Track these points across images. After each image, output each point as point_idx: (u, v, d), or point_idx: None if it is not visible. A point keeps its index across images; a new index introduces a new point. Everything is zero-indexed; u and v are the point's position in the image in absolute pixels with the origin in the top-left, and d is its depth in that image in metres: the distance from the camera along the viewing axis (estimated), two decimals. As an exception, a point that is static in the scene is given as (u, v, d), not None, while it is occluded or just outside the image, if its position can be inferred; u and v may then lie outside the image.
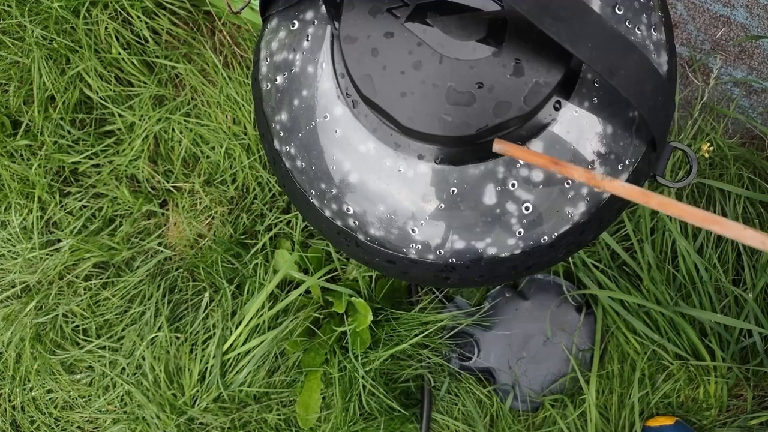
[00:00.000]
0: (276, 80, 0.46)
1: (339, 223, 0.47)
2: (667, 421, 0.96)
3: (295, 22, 0.46)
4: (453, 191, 0.43)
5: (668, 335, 0.95)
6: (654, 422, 0.96)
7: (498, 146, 0.38)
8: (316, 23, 0.45)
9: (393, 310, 0.96)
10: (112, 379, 1.03)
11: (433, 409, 1.00)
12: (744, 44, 0.93)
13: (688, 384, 0.97)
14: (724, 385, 0.95)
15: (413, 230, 0.45)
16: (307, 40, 0.45)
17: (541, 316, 1.00)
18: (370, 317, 0.92)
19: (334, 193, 0.45)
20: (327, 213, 0.47)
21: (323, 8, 0.44)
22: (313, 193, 0.46)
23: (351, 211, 0.45)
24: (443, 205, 0.43)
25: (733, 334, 0.93)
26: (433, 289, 1.01)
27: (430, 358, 0.98)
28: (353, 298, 0.94)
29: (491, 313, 1.00)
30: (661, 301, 0.94)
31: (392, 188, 0.44)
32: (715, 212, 0.93)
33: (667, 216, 0.93)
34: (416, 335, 0.94)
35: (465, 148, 0.42)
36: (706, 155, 0.94)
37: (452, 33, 0.39)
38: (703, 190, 0.96)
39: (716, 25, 0.94)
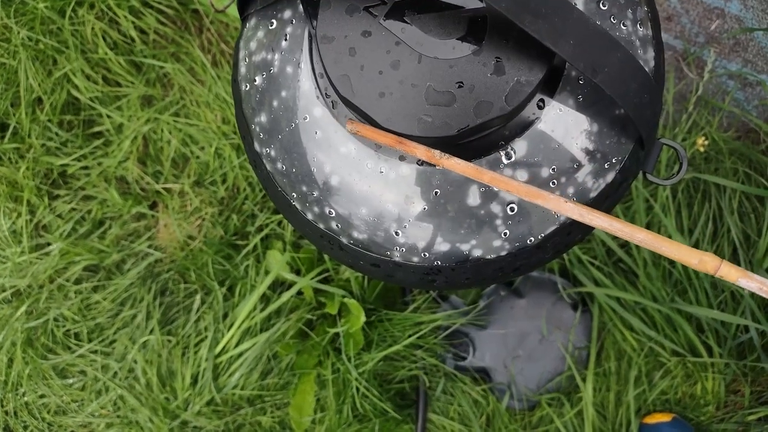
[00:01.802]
0: (255, 81, 0.45)
1: (322, 226, 0.45)
2: (665, 417, 0.95)
3: (273, 21, 0.44)
4: (436, 193, 0.42)
5: (665, 332, 0.94)
6: (651, 419, 0.95)
7: (350, 126, 0.39)
8: (294, 22, 0.43)
9: (386, 311, 0.95)
10: (104, 383, 1.02)
11: (429, 409, 0.99)
12: (738, 37, 0.92)
13: (685, 380, 0.96)
14: (721, 381, 0.94)
15: (397, 233, 0.43)
16: (286, 39, 0.44)
17: (537, 314, 0.99)
18: (363, 318, 0.91)
19: (315, 195, 0.44)
20: (309, 216, 0.46)
21: (301, 7, 0.43)
22: (295, 195, 0.45)
23: (333, 214, 0.44)
24: (426, 207, 0.42)
25: (729, 330, 0.92)
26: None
27: (424, 359, 0.97)
28: (346, 299, 0.93)
29: (486, 312, 0.99)
30: (657, 297, 0.93)
31: (374, 190, 0.43)
32: (709, 207, 0.92)
33: (663, 212, 0.92)
34: (410, 336, 0.93)
35: (446, 149, 0.41)
36: (701, 149, 0.93)
37: (431, 31, 0.37)
38: (698, 185, 0.95)
39: (710, 17, 0.92)
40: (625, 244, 0.97)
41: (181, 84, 1.04)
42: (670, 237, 0.93)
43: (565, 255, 0.98)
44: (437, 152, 0.36)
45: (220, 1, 0.87)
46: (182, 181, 1.04)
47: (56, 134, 1.04)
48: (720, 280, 0.90)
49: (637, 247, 0.94)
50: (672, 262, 0.93)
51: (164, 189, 1.04)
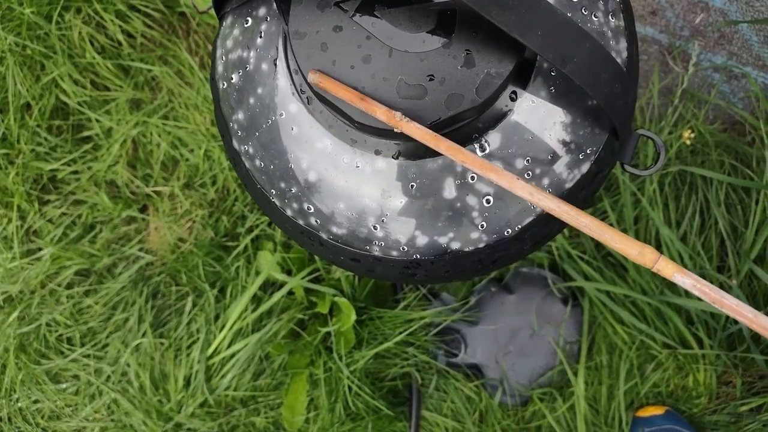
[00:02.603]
0: (232, 79, 0.46)
1: (301, 222, 0.46)
2: (658, 410, 0.95)
3: (249, 19, 0.45)
4: (412, 186, 0.42)
5: (655, 325, 0.95)
6: (644, 412, 0.96)
7: (312, 77, 0.38)
8: (268, 19, 0.44)
9: (377, 309, 0.95)
10: (97, 387, 1.02)
11: (422, 406, 0.99)
12: (723, 30, 0.92)
13: (677, 373, 0.96)
14: (712, 372, 0.95)
15: (375, 227, 0.44)
16: (261, 36, 0.44)
17: (527, 309, 0.99)
18: (354, 317, 0.91)
19: (294, 191, 0.45)
20: (289, 212, 0.46)
21: (275, 4, 0.43)
22: (274, 192, 0.46)
23: (312, 210, 0.45)
24: (403, 201, 0.42)
25: (719, 321, 0.92)
26: (419, 285, 1.01)
27: (416, 356, 0.97)
28: (337, 298, 0.93)
29: (477, 308, 0.99)
30: (647, 290, 0.93)
31: (351, 185, 0.43)
32: (696, 199, 0.93)
33: (650, 205, 0.93)
34: (400, 333, 0.93)
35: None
36: (688, 142, 0.93)
37: (401, 25, 0.38)
38: (685, 178, 0.95)
39: (695, 11, 0.93)
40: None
41: (170, 87, 1.04)
42: (657, 230, 0.93)
43: (554, 250, 0.98)
44: (398, 114, 0.36)
45: (205, 2, 0.88)
46: (172, 183, 1.04)
47: (45, 139, 1.04)
48: (708, 271, 0.91)
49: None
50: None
51: (154, 192, 1.05)
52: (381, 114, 0.36)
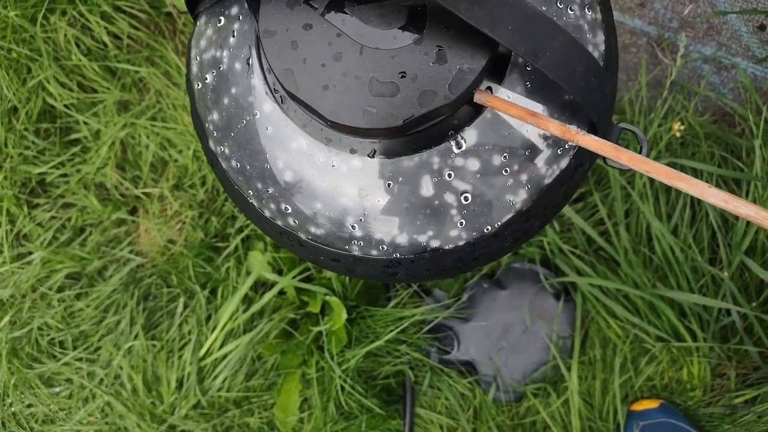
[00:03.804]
0: (206, 79, 0.45)
1: (279, 222, 0.45)
2: (652, 404, 0.95)
3: (221, 18, 0.44)
4: (389, 184, 0.42)
5: (648, 318, 0.94)
6: (639, 406, 0.95)
7: (478, 96, 0.38)
8: (241, 18, 0.43)
9: (368, 307, 0.95)
10: (91, 390, 1.02)
11: (416, 404, 0.99)
12: (712, 20, 0.92)
13: (671, 366, 0.96)
14: (706, 365, 0.94)
15: (353, 226, 0.43)
16: (233, 36, 0.43)
17: (520, 305, 0.99)
18: (345, 315, 0.91)
19: (270, 192, 0.44)
20: (267, 213, 0.45)
21: (246, 3, 0.43)
22: (251, 193, 0.45)
23: (289, 210, 0.44)
24: (380, 200, 0.42)
25: (712, 313, 0.92)
26: (402, 283, 1.00)
27: (409, 354, 0.97)
28: (328, 297, 0.93)
29: (469, 305, 0.99)
30: (639, 284, 0.93)
31: (327, 184, 0.42)
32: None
33: (640, 199, 0.92)
34: (392, 331, 0.93)
35: (397, 140, 0.40)
36: (678, 134, 0.93)
37: (372, 22, 0.37)
38: (675, 169, 0.95)
39: (683, 2, 0.92)
40: (605, 232, 0.97)
41: (157, 88, 1.04)
42: (648, 224, 0.93)
43: (546, 245, 0.97)
44: (573, 127, 0.36)
45: (179, 1, 0.87)
46: (161, 185, 1.03)
47: (33, 143, 1.04)
48: (699, 264, 0.90)
49: (618, 234, 0.94)
50: (652, 249, 0.93)
51: (144, 194, 1.04)
52: (554, 129, 0.36)
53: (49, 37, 1.00)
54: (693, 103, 0.96)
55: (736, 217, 0.90)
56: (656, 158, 0.93)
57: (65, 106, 1.03)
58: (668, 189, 0.94)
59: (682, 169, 0.94)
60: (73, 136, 1.06)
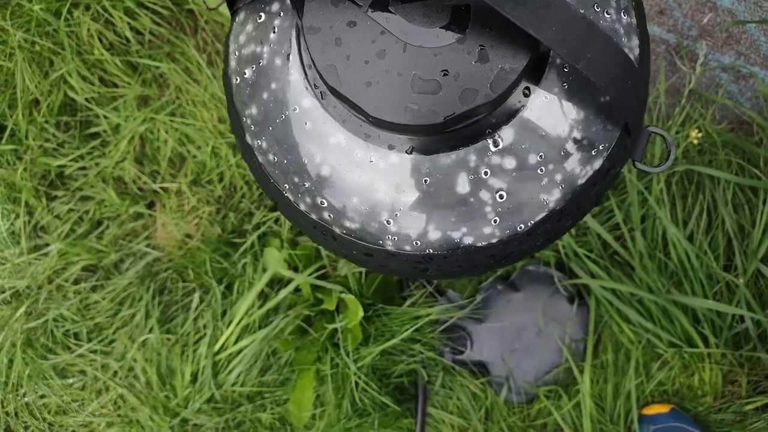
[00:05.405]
0: (245, 74, 0.46)
1: (314, 216, 0.46)
2: (663, 408, 0.95)
3: (262, 14, 0.45)
4: (426, 181, 0.42)
5: (661, 323, 0.95)
6: (650, 410, 0.96)
7: None
8: (282, 15, 0.44)
9: (384, 306, 0.96)
10: (104, 382, 1.03)
11: (428, 403, 1.00)
12: (731, 30, 0.92)
13: (682, 371, 0.96)
14: (718, 371, 0.95)
15: (388, 222, 0.44)
16: (274, 32, 0.44)
17: (534, 307, 0.99)
18: (361, 313, 0.91)
19: (307, 186, 0.45)
20: (302, 207, 0.46)
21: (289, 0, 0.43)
22: (287, 186, 0.46)
23: (325, 204, 0.45)
24: (417, 196, 0.43)
25: (725, 320, 0.92)
26: (425, 282, 1.01)
27: (422, 353, 0.98)
28: (343, 295, 0.93)
29: (483, 306, 0.99)
30: (653, 289, 0.93)
31: (364, 180, 0.43)
32: (704, 199, 0.93)
33: (657, 204, 0.93)
34: (407, 330, 0.94)
35: (435, 137, 0.41)
36: (695, 142, 0.93)
37: (415, 20, 0.38)
38: (692, 177, 0.95)
39: (702, 10, 0.93)
40: (620, 237, 0.97)
41: (177, 84, 1.05)
42: (664, 229, 0.93)
43: (561, 248, 0.98)
44: None
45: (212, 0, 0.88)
46: (179, 180, 1.04)
47: (53, 135, 1.05)
48: (714, 270, 0.91)
49: (633, 239, 0.94)
50: (667, 254, 0.94)
51: (161, 188, 1.05)
52: None
53: (72, 31, 1.01)
54: (711, 111, 0.97)
55: (753, 225, 0.91)
56: (673, 165, 0.94)
57: (86, 99, 1.04)
58: (685, 195, 0.94)
59: (699, 176, 0.95)
60: (93, 129, 1.06)
